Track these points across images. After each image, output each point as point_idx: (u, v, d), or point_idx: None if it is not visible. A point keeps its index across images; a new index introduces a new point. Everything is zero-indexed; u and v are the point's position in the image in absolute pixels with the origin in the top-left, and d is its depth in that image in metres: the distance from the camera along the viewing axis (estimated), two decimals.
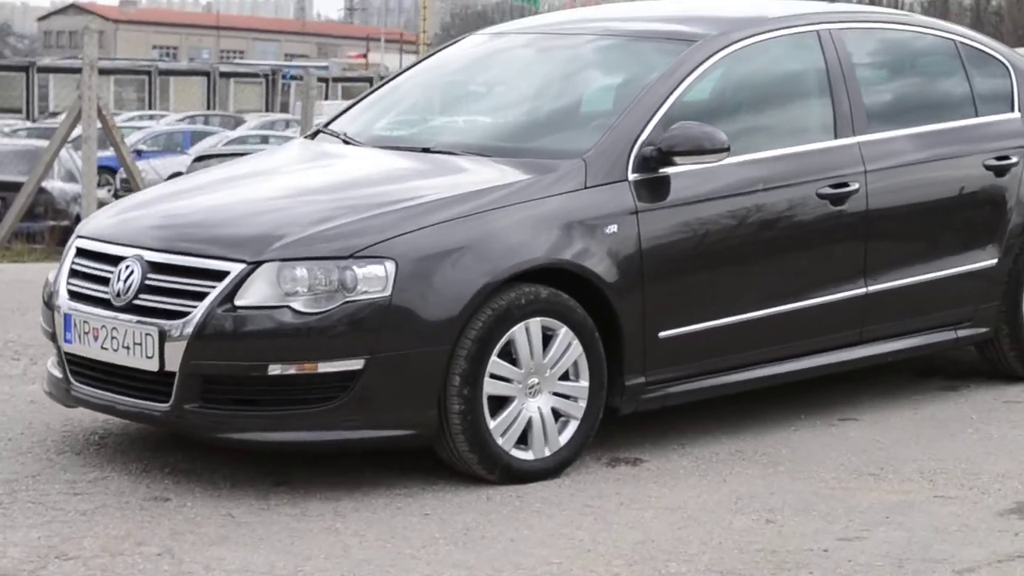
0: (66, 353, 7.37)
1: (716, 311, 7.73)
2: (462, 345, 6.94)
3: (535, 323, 7.14)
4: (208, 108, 65.21)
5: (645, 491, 7.14)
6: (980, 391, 9.05)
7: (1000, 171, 8.84)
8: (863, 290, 8.25)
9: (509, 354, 7.11)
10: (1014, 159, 8.91)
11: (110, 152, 37.61)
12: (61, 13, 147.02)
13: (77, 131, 19.41)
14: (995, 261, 8.80)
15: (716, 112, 8.05)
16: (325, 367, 6.82)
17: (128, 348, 7.01)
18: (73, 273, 7.46)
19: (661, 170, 7.57)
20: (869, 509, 6.89)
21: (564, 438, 7.30)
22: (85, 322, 7.21)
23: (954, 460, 7.68)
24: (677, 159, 7.52)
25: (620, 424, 7.80)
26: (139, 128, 46.54)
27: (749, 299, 7.85)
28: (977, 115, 8.96)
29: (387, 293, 6.84)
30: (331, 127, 8.59)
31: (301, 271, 6.83)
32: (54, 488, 7.07)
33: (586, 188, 7.41)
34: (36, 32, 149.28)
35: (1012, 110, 9.12)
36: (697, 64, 7.91)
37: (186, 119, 51.03)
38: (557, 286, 7.23)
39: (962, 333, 8.81)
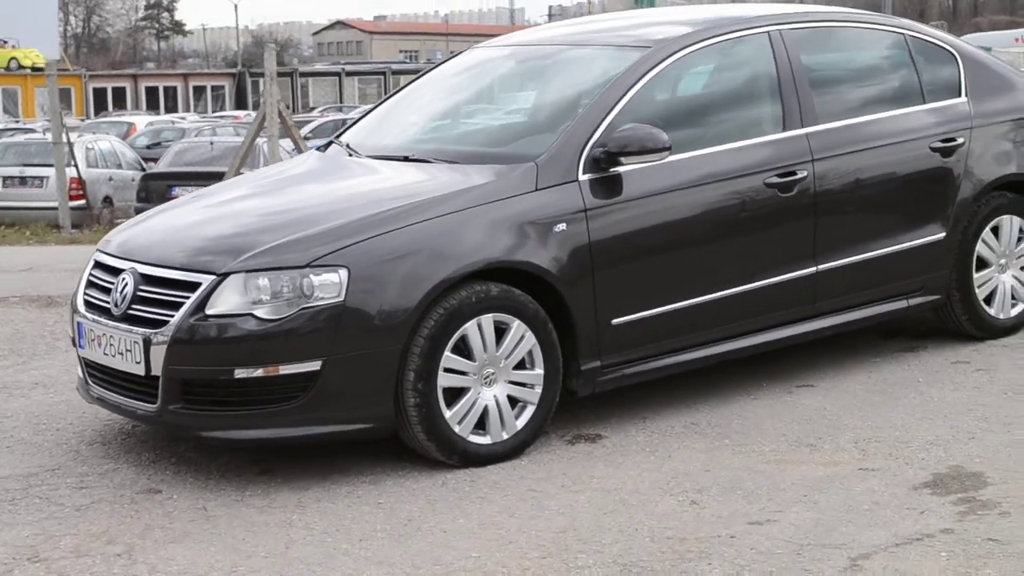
0: (82, 357, 6.31)
1: (667, 297, 6.43)
2: (415, 343, 5.76)
3: (487, 319, 5.92)
4: None
5: (591, 471, 5.89)
6: (935, 352, 7.60)
7: (946, 152, 7.37)
8: (813, 269, 6.86)
9: (465, 348, 5.87)
10: (959, 140, 7.43)
11: None
12: (331, 28, 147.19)
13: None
14: (944, 235, 7.35)
15: (669, 113, 6.73)
16: (286, 369, 5.67)
17: (122, 354, 5.96)
18: (89, 284, 6.42)
19: (612, 170, 6.26)
20: (792, 486, 5.58)
21: (521, 422, 6.08)
22: (91, 329, 6.17)
23: (890, 427, 6.31)
24: (623, 159, 6.24)
25: (592, 398, 6.52)
26: None
27: (700, 284, 6.52)
28: (924, 102, 7.47)
29: (341, 298, 5.67)
30: (342, 138, 7.38)
31: (264, 281, 5.71)
32: (65, 482, 6.02)
33: (536, 190, 6.15)
34: (312, 44, 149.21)
35: (960, 95, 7.61)
36: (647, 70, 6.58)
37: None
38: (511, 282, 5.99)
39: (914, 301, 7.38)
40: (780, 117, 6.86)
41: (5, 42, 62.43)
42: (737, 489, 5.57)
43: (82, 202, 21.16)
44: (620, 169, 6.29)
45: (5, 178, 23.01)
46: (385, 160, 6.79)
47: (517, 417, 6.05)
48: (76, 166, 20.98)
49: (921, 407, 6.58)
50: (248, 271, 5.73)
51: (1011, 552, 4.80)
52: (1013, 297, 7.71)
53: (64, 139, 20.01)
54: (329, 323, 5.65)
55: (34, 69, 58.49)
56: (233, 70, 73.55)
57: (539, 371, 6.07)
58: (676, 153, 6.42)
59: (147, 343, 5.79)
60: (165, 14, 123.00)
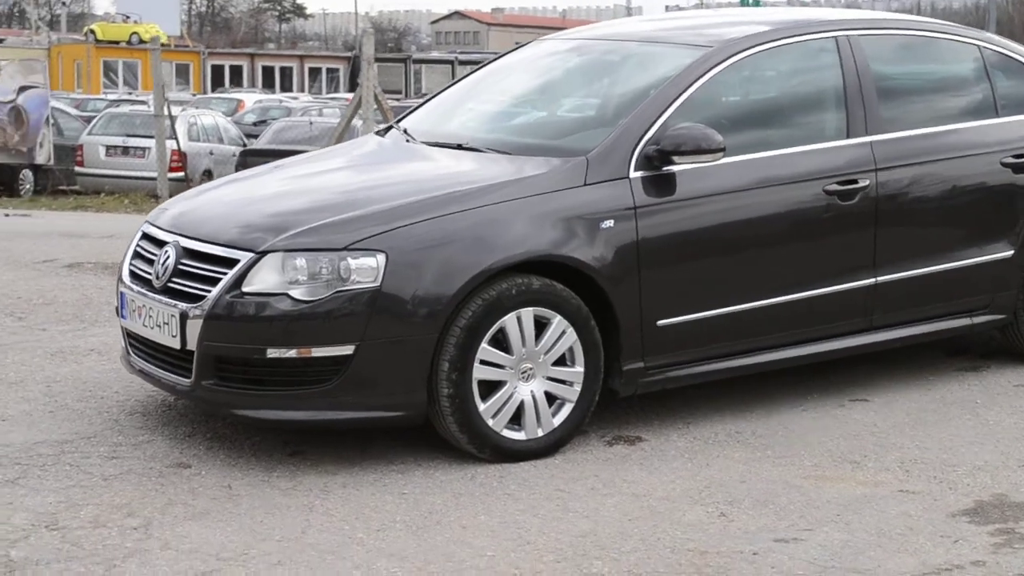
0: (124, 327, 6.21)
1: (716, 301, 6.18)
2: (451, 333, 5.58)
3: (527, 312, 5.72)
4: None
5: (624, 474, 5.68)
6: (999, 373, 7.27)
7: (1018, 168, 7.04)
8: (872, 281, 6.58)
9: (503, 341, 5.68)
10: None
11: None
12: (448, 18, 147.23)
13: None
14: (1012, 252, 7.02)
15: (728, 114, 6.49)
16: (318, 351, 5.52)
17: (160, 327, 5.85)
18: (136, 255, 6.30)
19: (664, 168, 6.04)
20: (827, 504, 5.33)
21: (559, 419, 5.87)
22: (133, 300, 6.07)
23: (939, 448, 6.03)
24: (676, 158, 6.01)
25: (636, 399, 6.32)
26: None
27: (751, 290, 6.27)
28: (998, 116, 7.14)
29: (377, 283, 5.50)
30: (403, 123, 7.20)
31: (301, 261, 5.56)
32: (99, 451, 5.92)
33: (586, 185, 5.94)
34: (431, 32, 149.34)
35: None
36: (707, 69, 6.33)
37: None
38: (554, 277, 5.78)
39: (978, 319, 7.05)
40: (844, 124, 6.59)
41: (127, 17, 63.35)
42: (770, 503, 5.33)
43: (181, 174, 21.25)
44: (674, 168, 6.06)
45: (108, 147, 23.24)
46: (439, 147, 6.60)
47: (554, 415, 5.86)
48: (176, 139, 21.06)
49: (974, 430, 6.29)
50: (286, 250, 5.59)
51: None
52: None
53: (165, 112, 20.06)
54: (364, 308, 5.49)
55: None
56: (349, 54, 73.74)
57: (579, 369, 5.87)
58: (734, 155, 6.19)
59: (183, 317, 5.67)
60: None
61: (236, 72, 66.02)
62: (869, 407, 6.62)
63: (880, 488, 5.52)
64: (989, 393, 6.88)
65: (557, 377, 5.83)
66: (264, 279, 5.57)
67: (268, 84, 64.80)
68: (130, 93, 43.62)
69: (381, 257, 5.53)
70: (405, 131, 6.97)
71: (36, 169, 22.63)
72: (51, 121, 22.27)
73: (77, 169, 23.15)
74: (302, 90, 63.59)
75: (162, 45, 60.95)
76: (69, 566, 4.71)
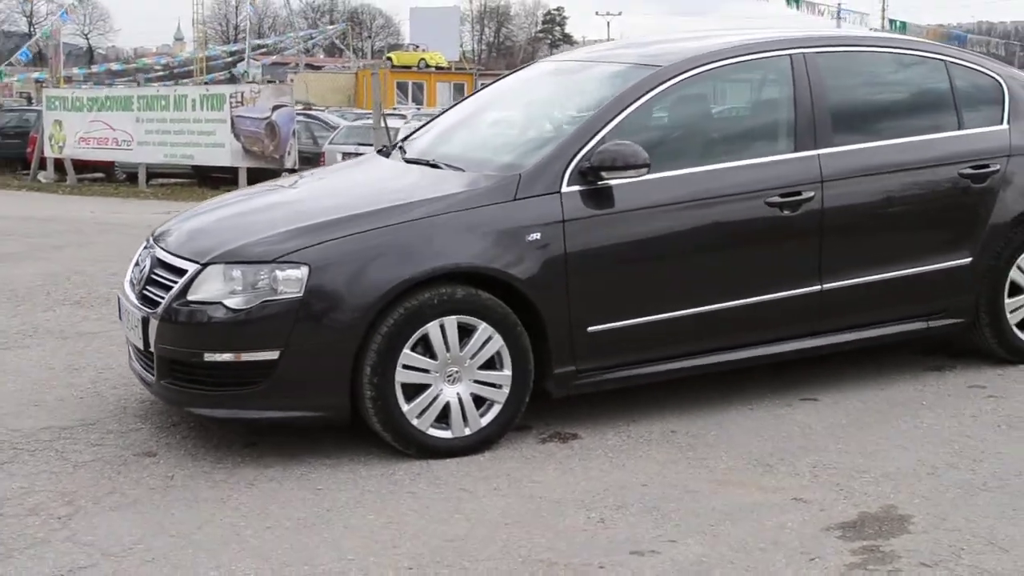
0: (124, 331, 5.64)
1: (649, 308, 5.25)
2: (373, 340, 4.81)
3: (450, 320, 4.90)
4: None
5: (536, 474, 4.82)
6: (960, 373, 6.13)
7: (978, 178, 5.88)
8: (818, 288, 5.54)
9: (427, 347, 4.88)
10: (995, 166, 5.91)
11: None
12: None
13: None
14: (970, 259, 5.87)
15: (669, 132, 5.54)
16: (247, 356, 4.81)
17: (133, 329, 5.23)
18: (135, 265, 5.69)
19: (599, 183, 5.13)
20: (710, 512, 4.38)
21: (487, 419, 5.05)
22: (122, 305, 5.45)
23: (858, 453, 4.99)
24: (604, 173, 5.09)
25: (595, 395, 5.44)
26: None
27: (684, 297, 5.31)
28: (960, 128, 5.96)
29: (300, 294, 4.76)
30: (406, 142, 6.43)
31: (238, 272, 4.87)
32: (89, 437, 5.34)
33: (515, 200, 5.07)
34: None
35: (1001, 123, 6.06)
36: (648, 89, 5.38)
37: None
38: (483, 286, 4.95)
39: (934, 323, 5.91)
40: (792, 139, 5.54)
41: (416, 46, 64.22)
42: (656, 510, 4.41)
43: None
44: (611, 182, 5.15)
45: (344, 154, 23.08)
46: (414, 164, 5.82)
47: (483, 415, 5.04)
48: None
49: (907, 433, 5.21)
50: (225, 262, 4.91)
51: None
52: None
53: (382, 124, 19.74)
54: (287, 316, 4.77)
55: (437, 68, 60.30)
56: None
57: (507, 372, 5.03)
58: (674, 170, 5.25)
59: (145, 321, 5.06)
60: (557, 28, 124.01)
61: None
62: (815, 407, 5.59)
63: (776, 495, 4.53)
64: (939, 394, 5.76)
65: (484, 380, 5.01)
66: (207, 288, 4.91)
67: None
68: (418, 108, 43.52)
69: (304, 269, 4.80)
70: (402, 148, 6.20)
71: (292, 172, 22.74)
72: (296, 133, 22.20)
73: None
74: None
75: (441, 68, 61.68)
76: None
